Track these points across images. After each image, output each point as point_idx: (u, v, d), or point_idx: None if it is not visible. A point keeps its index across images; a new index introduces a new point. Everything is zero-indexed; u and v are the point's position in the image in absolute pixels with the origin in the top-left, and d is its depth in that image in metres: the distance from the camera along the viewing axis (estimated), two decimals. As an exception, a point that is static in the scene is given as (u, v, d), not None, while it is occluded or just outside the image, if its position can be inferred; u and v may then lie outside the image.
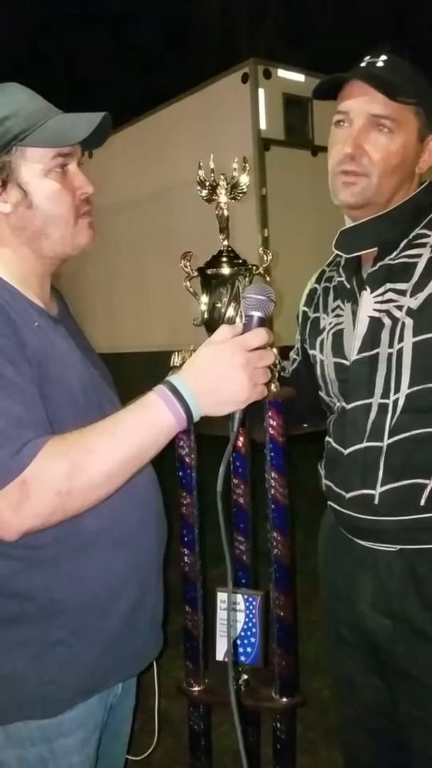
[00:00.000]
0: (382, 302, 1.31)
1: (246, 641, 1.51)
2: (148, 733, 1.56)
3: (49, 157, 1.17)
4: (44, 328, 1.17)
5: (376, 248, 1.35)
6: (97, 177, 1.27)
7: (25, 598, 1.13)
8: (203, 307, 1.42)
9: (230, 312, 1.39)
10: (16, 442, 1.00)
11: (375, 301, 1.33)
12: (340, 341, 1.40)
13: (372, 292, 1.34)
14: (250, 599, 1.51)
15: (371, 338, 1.32)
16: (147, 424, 1.06)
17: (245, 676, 1.50)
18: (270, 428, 1.39)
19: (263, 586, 1.56)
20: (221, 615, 1.52)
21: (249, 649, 1.51)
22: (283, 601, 1.42)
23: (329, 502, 1.45)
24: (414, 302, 1.27)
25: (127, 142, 5.44)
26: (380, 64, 1.30)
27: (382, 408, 1.30)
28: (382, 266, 1.33)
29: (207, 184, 1.40)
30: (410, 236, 1.32)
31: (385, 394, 1.30)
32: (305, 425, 1.79)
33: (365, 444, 1.32)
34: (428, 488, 1.28)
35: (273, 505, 1.41)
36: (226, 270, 1.39)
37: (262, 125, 4.75)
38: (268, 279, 1.37)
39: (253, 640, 1.50)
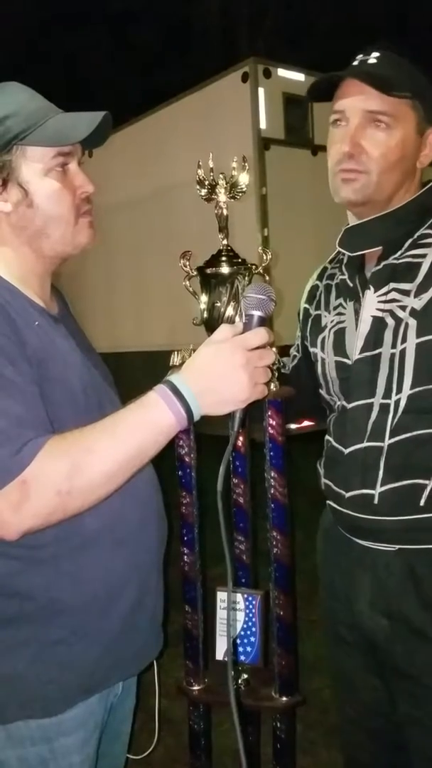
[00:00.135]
0: (385, 302, 1.31)
1: (246, 641, 1.51)
2: (148, 732, 1.57)
3: (49, 156, 1.17)
4: (45, 327, 1.17)
5: (380, 247, 1.35)
6: (97, 176, 1.27)
7: (25, 598, 1.13)
8: (202, 307, 1.42)
9: (230, 311, 1.39)
10: (16, 441, 1.00)
11: (378, 300, 1.32)
12: (341, 340, 1.40)
13: (376, 291, 1.33)
14: (250, 599, 1.51)
15: (374, 338, 1.32)
16: (147, 423, 1.06)
17: (245, 676, 1.50)
18: (269, 428, 1.39)
19: (263, 585, 1.56)
20: (221, 614, 1.52)
21: (249, 649, 1.51)
22: (282, 601, 1.42)
23: (328, 501, 1.45)
24: (418, 303, 1.27)
25: (127, 141, 5.44)
26: (372, 60, 1.30)
27: (384, 408, 1.30)
28: (387, 265, 1.33)
29: (206, 183, 1.40)
30: (415, 236, 1.32)
31: (387, 395, 1.29)
32: (311, 423, 1.79)
33: (366, 444, 1.32)
34: (428, 488, 1.28)
35: (273, 505, 1.41)
36: (225, 269, 1.39)
37: (262, 125, 4.75)
38: (267, 278, 1.37)
39: (252, 639, 1.50)
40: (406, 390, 1.27)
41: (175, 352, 1.40)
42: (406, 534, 1.30)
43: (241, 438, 1.57)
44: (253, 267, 1.42)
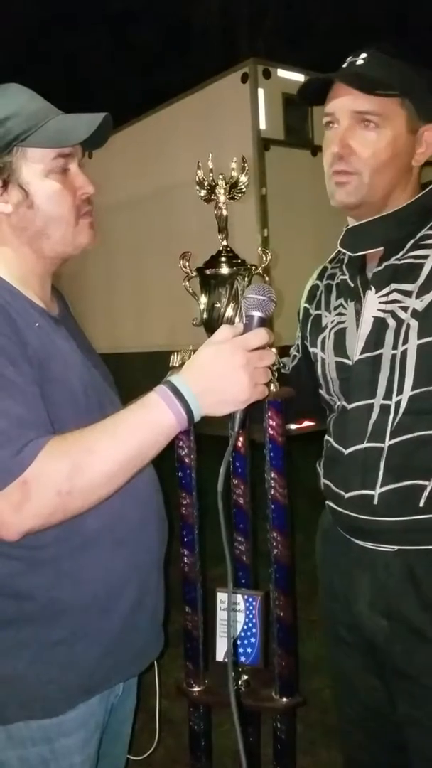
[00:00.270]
0: (387, 303, 1.31)
1: (246, 641, 1.51)
2: (149, 733, 1.57)
3: (50, 157, 1.18)
4: (45, 328, 1.17)
5: (382, 248, 1.35)
6: (97, 177, 1.27)
7: (26, 599, 1.14)
8: (202, 307, 1.42)
9: (229, 312, 1.39)
10: (17, 442, 1.01)
11: (380, 301, 1.32)
12: (342, 340, 1.40)
13: (377, 292, 1.33)
14: (250, 599, 1.51)
15: (375, 339, 1.32)
16: (148, 424, 1.06)
17: (245, 677, 1.50)
18: (269, 428, 1.39)
19: (263, 586, 1.56)
20: (221, 615, 1.52)
21: (249, 650, 1.51)
22: (282, 602, 1.42)
23: (327, 502, 1.45)
24: (419, 304, 1.27)
25: (127, 142, 5.44)
26: (360, 62, 1.30)
27: (384, 409, 1.30)
28: (388, 266, 1.33)
29: (206, 183, 1.40)
30: (417, 237, 1.32)
31: (388, 396, 1.29)
32: (311, 423, 1.79)
33: (366, 444, 1.32)
34: (428, 489, 1.28)
35: (273, 506, 1.41)
36: (224, 270, 1.39)
37: (262, 125, 4.75)
38: (267, 279, 1.37)
39: (253, 640, 1.50)
40: (407, 391, 1.27)
41: (175, 353, 1.40)
42: (406, 535, 1.30)
43: (241, 438, 1.57)
44: (253, 268, 1.42)
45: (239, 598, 1.52)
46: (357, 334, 1.36)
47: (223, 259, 1.40)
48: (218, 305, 1.40)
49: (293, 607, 1.45)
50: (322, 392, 1.48)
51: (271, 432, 1.39)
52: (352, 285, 1.40)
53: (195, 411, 1.06)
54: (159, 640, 1.34)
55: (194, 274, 1.43)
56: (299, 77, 4.90)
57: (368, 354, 1.33)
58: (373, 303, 1.34)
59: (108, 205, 5.28)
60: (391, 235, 1.33)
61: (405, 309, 1.28)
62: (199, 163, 1.41)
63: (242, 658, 1.50)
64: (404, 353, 1.28)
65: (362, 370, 1.34)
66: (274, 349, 1.17)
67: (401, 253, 1.32)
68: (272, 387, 1.34)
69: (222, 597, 1.53)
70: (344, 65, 1.33)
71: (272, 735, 1.48)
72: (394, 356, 1.29)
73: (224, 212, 1.41)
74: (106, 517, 1.15)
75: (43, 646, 1.15)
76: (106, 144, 1.27)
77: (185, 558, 1.46)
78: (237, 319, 1.37)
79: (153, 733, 1.54)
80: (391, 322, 1.30)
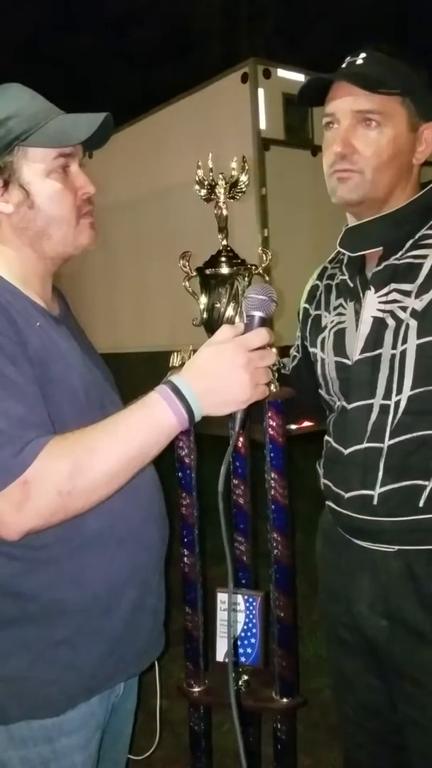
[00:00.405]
0: (386, 302, 1.31)
1: (246, 642, 1.51)
2: (149, 733, 1.56)
3: (51, 157, 1.18)
4: (46, 328, 1.17)
5: (381, 248, 1.35)
6: (98, 177, 1.27)
7: (27, 599, 1.13)
8: (202, 307, 1.42)
9: (229, 312, 1.39)
10: (17, 442, 1.01)
11: (379, 301, 1.32)
12: (342, 340, 1.40)
13: (376, 292, 1.33)
14: (251, 600, 1.51)
15: (374, 339, 1.32)
16: (149, 423, 1.06)
17: (245, 677, 1.50)
18: (270, 428, 1.39)
19: (263, 586, 1.56)
20: (221, 615, 1.52)
21: (249, 650, 1.51)
22: (283, 602, 1.42)
23: (327, 502, 1.45)
24: (419, 304, 1.27)
25: (127, 142, 5.44)
26: (359, 61, 1.31)
27: (384, 409, 1.30)
28: (387, 266, 1.33)
29: (206, 183, 1.40)
30: (416, 237, 1.32)
31: (387, 396, 1.29)
32: (311, 423, 1.79)
33: (365, 445, 1.32)
34: (427, 489, 1.28)
35: (273, 506, 1.41)
36: (224, 270, 1.39)
37: (262, 125, 4.75)
38: (267, 279, 1.37)
39: (253, 640, 1.50)
40: (407, 391, 1.27)
41: (175, 353, 1.40)
42: (406, 535, 1.30)
43: (241, 439, 1.57)
44: (253, 267, 1.42)
45: (239, 598, 1.52)
46: (356, 334, 1.36)
47: (223, 259, 1.40)
48: (218, 305, 1.40)
49: (293, 607, 1.45)
50: (322, 392, 1.48)
51: (271, 432, 1.39)
52: (351, 285, 1.40)
53: (196, 411, 1.06)
54: (160, 639, 1.34)
55: (194, 273, 1.43)
56: (299, 77, 4.90)
57: (368, 354, 1.33)
58: (372, 303, 1.33)
59: (108, 205, 5.28)
60: (390, 235, 1.33)
61: (404, 309, 1.28)
62: (199, 163, 1.41)
63: (242, 659, 1.50)
64: (403, 353, 1.28)
65: (362, 370, 1.34)
66: (274, 349, 1.17)
67: (400, 253, 1.32)
68: (272, 387, 1.34)
69: (222, 597, 1.53)
70: (343, 65, 1.33)
71: (272, 735, 1.48)
72: (393, 356, 1.29)
73: (224, 212, 1.41)
74: (107, 517, 1.15)
75: (44, 646, 1.15)
76: (107, 144, 1.27)
77: (185, 558, 1.47)
78: (237, 319, 1.37)
79: (153, 733, 1.54)
80: (391, 322, 1.30)
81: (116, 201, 5.58)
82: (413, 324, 1.27)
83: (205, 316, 1.42)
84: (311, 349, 1.51)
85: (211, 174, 1.40)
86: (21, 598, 1.13)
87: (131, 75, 12.51)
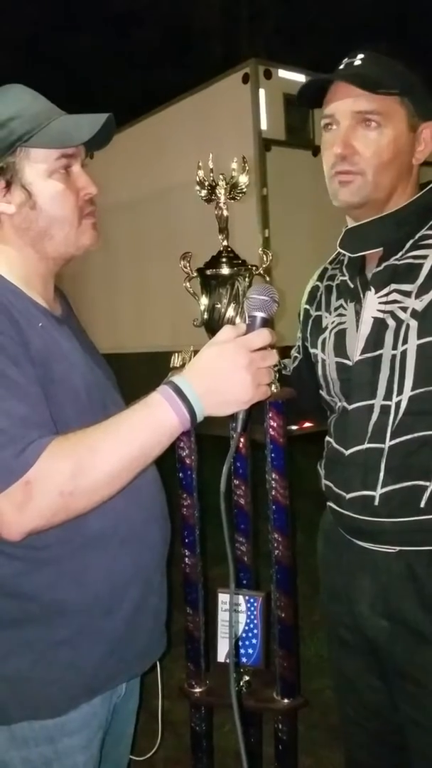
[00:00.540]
0: (386, 303, 1.31)
1: (247, 642, 1.51)
2: (150, 733, 1.56)
3: (53, 157, 1.18)
4: (48, 328, 1.17)
5: (381, 248, 1.35)
6: (99, 177, 1.27)
7: (29, 599, 1.14)
8: (203, 308, 1.42)
9: (230, 312, 1.39)
10: (19, 442, 1.01)
11: (379, 301, 1.32)
12: (342, 341, 1.40)
13: (377, 292, 1.33)
14: (252, 600, 1.51)
15: (375, 339, 1.32)
16: (151, 424, 1.06)
17: (247, 678, 1.50)
18: (270, 429, 1.39)
19: (264, 587, 1.56)
20: (223, 616, 1.53)
21: (250, 651, 1.51)
22: (284, 602, 1.42)
23: (328, 503, 1.45)
24: (419, 304, 1.27)
25: (127, 142, 5.44)
26: (358, 62, 1.31)
27: (384, 410, 1.30)
28: (387, 267, 1.33)
29: (206, 184, 1.40)
30: (416, 237, 1.32)
31: (388, 396, 1.29)
32: (312, 424, 1.79)
33: (366, 445, 1.32)
34: (428, 490, 1.28)
35: (274, 506, 1.41)
36: (225, 270, 1.39)
37: (263, 125, 4.75)
38: (268, 279, 1.37)
39: (254, 641, 1.51)
40: (407, 391, 1.27)
41: (176, 354, 1.40)
42: (407, 535, 1.30)
43: (242, 439, 1.57)
44: (254, 268, 1.42)
45: (241, 598, 1.52)
46: (357, 334, 1.36)
47: (224, 259, 1.40)
48: (219, 306, 1.40)
49: (294, 607, 1.45)
50: (323, 393, 1.48)
51: (272, 433, 1.39)
52: (351, 286, 1.40)
53: (198, 411, 1.06)
54: (162, 640, 1.34)
55: (195, 274, 1.43)
56: (300, 77, 4.89)
57: (368, 354, 1.33)
58: (372, 303, 1.34)
59: (109, 205, 5.28)
60: (390, 236, 1.33)
61: (404, 309, 1.28)
62: (200, 164, 1.41)
63: (243, 659, 1.50)
64: (404, 353, 1.28)
65: (362, 371, 1.34)
66: (274, 350, 1.17)
67: (400, 254, 1.32)
68: (273, 388, 1.34)
69: (223, 598, 1.53)
70: (341, 66, 1.33)
71: (273, 736, 1.48)
72: (393, 357, 1.29)
73: (225, 212, 1.41)
74: (109, 517, 1.15)
75: (46, 647, 1.15)
76: (108, 144, 1.27)
77: (186, 559, 1.47)
78: (238, 320, 1.37)
79: (155, 733, 1.54)
80: (391, 322, 1.30)
81: (117, 201, 5.58)
82: (413, 324, 1.27)
83: (205, 316, 1.42)
84: (312, 350, 1.51)
85: (211, 174, 1.40)
86: (22, 598, 1.13)
87: (132, 75, 12.50)
